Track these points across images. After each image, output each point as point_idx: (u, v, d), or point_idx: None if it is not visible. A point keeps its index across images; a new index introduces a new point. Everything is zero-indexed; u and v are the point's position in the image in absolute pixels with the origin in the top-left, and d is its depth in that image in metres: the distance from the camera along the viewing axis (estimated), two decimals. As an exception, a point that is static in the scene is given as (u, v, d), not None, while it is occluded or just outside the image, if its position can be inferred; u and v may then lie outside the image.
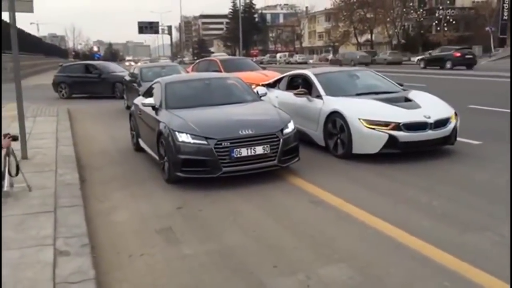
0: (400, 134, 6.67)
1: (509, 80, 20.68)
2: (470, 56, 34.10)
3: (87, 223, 4.62)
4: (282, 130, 6.13)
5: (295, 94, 8.26)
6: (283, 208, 5.16)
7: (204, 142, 5.78)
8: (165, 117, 6.43)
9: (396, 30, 66.56)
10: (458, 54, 33.75)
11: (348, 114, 6.99)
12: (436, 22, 60.64)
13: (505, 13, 51.24)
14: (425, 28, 63.71)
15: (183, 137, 5.87)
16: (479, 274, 3.47)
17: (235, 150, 5.76)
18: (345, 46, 77.08)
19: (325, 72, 8.80)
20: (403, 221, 4.57)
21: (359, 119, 6.83)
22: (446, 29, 58.34)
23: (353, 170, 6.60)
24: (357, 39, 73.73)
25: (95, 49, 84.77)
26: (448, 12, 59.41)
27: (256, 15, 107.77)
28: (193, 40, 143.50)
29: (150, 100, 7.03)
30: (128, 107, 14.85)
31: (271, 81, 10.19)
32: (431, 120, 6.82)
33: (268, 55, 78.71)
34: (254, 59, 48.77)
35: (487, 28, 51.44)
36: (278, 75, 15.29)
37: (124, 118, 11.31)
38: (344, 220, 4.73)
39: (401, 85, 8.55)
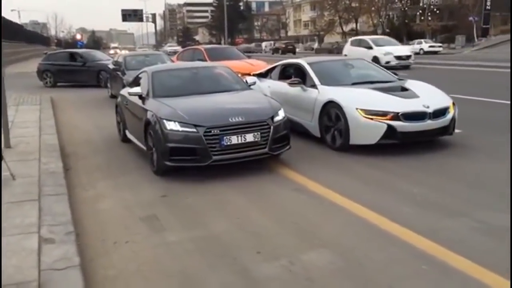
0: (398, 124, 6.52)
1: (488, 70, 21.01)
2: (291, 47, 58.71)
3: (72, 211, 4.63)
4: (272, 118, 6.06)
5: (289, 83, 8.02)
6: (268, 196, 5.23)
7: (193, 130, 5.68)
8: (153, 106, 6.31)
9: (380, 19, 66.76)
10: (283, 46, 59.35)
11: (345, 104, 6.81)
12: (420, 11, 60.90)
13: (488, 3, 51.65)
14: (409, 18, 63.97)
15: (172, 125, 5.75)
16: (455, 258, 3.59)
17: (225, 138, 5.68)
18: (330, 35, 77.16)
19: (319, 61, 8.59)
20: (384, 207, 4.67)
21: (357, 109, 6.66)
22: (430, 18, 58.63)
23: (342, 159, 6.67)
24: (342, 28, 73.84)
25: (78, 36, 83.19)
26: (432, 2, 59.68)
27: (241, 3, 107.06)
28: (178, 28, 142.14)
29: (137, 89, 6.88)
30: (113, 96, 14.76)
31: (262, 70, 9.91)
32: (430, 110, 6.69)
33: (253, 43, 78.36)
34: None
35: (470, 18, 51.81)
36: (263, 64, 15.39)
37: (108, 107, 11.26)
38: (328, 208, 4.82)
39: (396, 74, 8.45)
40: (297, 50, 70.00)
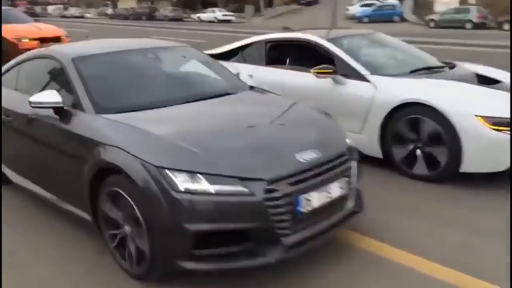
0: None
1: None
2: (32, 11, 51.28)
3: None
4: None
5: (316, 72, 5.05)
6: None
7: (242, 189, 2.68)
8: (112, 132, 3.05)
9: (175, -14, 66.89)
10: (26, 10, 49.80)
11: (450, 108, 4.24)
12: (213, -19, 62.80)
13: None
14: (201, -14, 65.48)
15: (189, 182, 2.65)
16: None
17: (301, 198, 2.80)
18: (126, 0, 74.53)
19: (342, 36, 5.64)
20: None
21: (476, 116, 4.14)
22: (222, -12, 60.89)
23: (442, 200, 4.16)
24: (136, -6, 71.90)
25: None
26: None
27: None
28: None
29: (50, 96, 3.32)
30: None
31: (219, 50, 6.47)
32: None
33: (38, 7, 71.02)
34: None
35: (257, -10, 55.46)
36: (54, 29, 14.07)
37: None
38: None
39: None
40: (89, 15, 66.10)
